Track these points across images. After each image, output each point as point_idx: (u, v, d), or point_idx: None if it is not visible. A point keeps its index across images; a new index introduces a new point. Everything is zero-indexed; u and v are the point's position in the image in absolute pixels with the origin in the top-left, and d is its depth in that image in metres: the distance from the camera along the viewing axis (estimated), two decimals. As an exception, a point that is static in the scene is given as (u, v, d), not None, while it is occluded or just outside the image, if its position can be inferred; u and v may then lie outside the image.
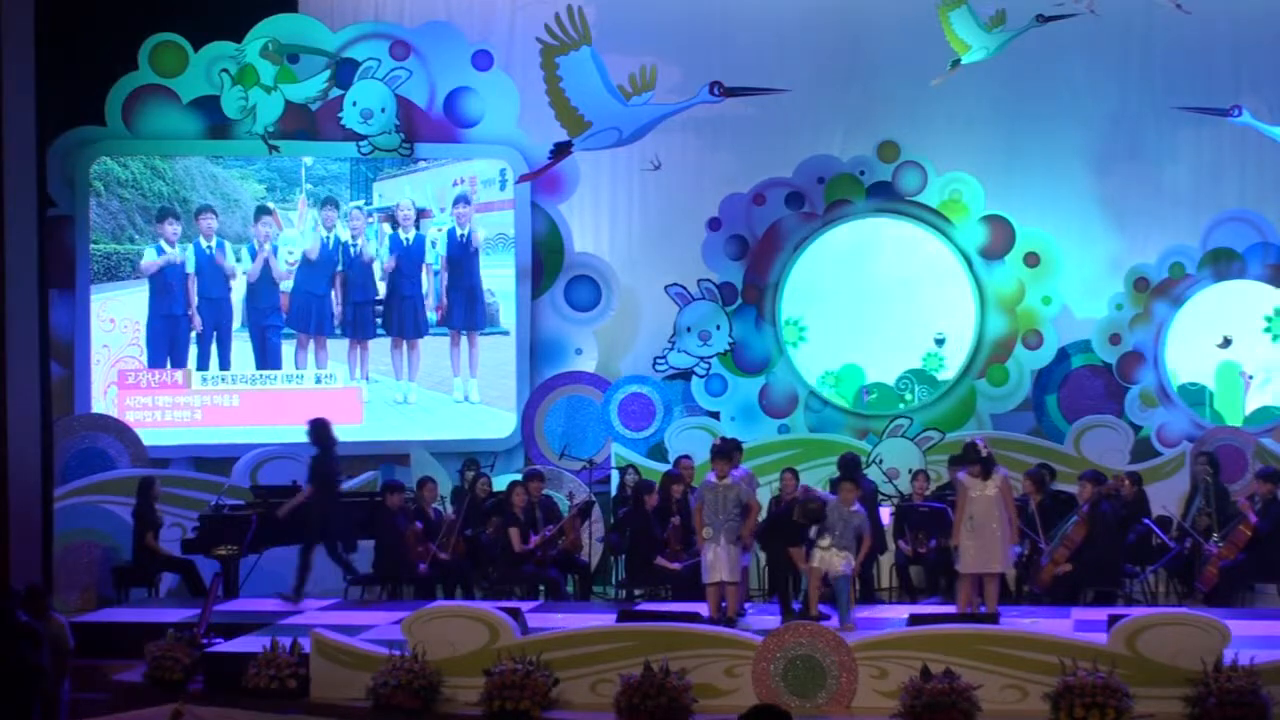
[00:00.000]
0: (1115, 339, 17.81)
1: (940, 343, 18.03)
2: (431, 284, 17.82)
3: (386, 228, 17.78)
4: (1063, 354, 18.07)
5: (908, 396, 17.98)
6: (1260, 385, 17.83)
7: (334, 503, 14.72)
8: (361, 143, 17.53)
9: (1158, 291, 17.76)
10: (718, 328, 17.73)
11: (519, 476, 15.32)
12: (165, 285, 17.32)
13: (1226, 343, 17.77)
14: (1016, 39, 17.30)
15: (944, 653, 10.43)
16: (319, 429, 14.81)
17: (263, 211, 17.50)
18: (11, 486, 12.29)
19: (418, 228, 17.84)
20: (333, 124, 17.53)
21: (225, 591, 13.99)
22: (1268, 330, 17.86)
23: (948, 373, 17.98)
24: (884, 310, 18.05)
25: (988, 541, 12.49)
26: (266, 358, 17.54)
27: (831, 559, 12.43)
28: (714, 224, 17.98)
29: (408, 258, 17.82)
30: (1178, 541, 14.57)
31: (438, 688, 10.74)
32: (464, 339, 17.84)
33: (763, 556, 14.89)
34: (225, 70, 17.28)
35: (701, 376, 17.80)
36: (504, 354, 17.88)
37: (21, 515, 12.39)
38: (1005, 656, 10.44)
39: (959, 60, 17.45)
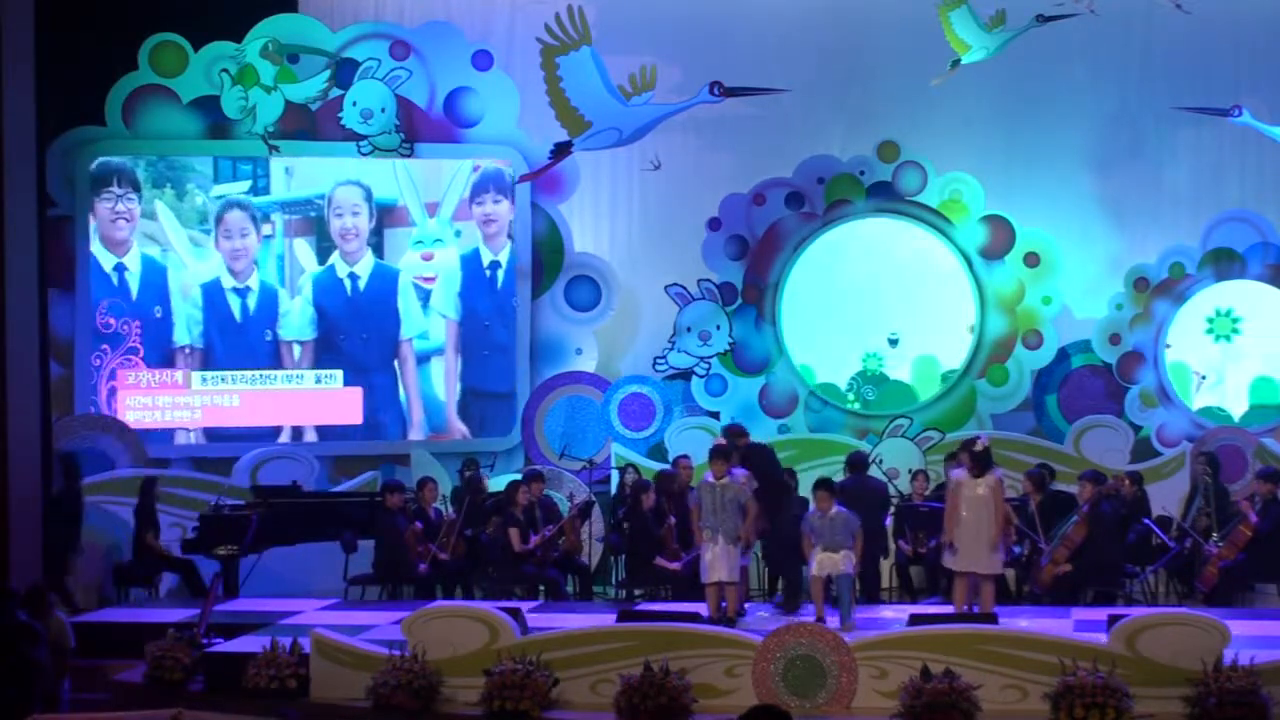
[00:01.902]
0: (1115, 339, 17.81)
1: (894, 343, 18.03)
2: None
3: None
4: (1063, 354, 18.07)
5: (850, 397, 17.98)
6: (1211, 386, 17.85)
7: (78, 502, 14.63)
8: (361, 143, 17.53)
9: (1158, 291, 17.76)
10: (718, 328, 17.74)
11: (519, 476, 15.34)
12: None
13: (973, 331, 17.82)
14: (1016, 39, 17.31)
15: (944, 653, 10.42)
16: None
17: None
18: (11, 486, 12.30)
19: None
20: (333, 124, 17.53)
21: (225, 591, 14.00)
22: (1209, 331, 17.87)
23: (899, 372, 17.98)
24: (849, 311, 18.04)
25: (977, 540, 12.48)
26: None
27: (834, 560, 12.41)
28: (714, 224, 17.98)
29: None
30: (1178, 541, 14.57)
31: (438, 688, 10.73)
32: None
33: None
34: (225, 70, 17.27)
35: (701, 376, 17.80)
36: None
37: (21, 515, 12.40)
38: (1005, 656, 10.43)
39: (959, 60, 17.46)
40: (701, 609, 12.57)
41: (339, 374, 17.63)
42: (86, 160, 17.09)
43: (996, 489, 12.58)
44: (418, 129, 17.76)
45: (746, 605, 13.18)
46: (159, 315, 17.32)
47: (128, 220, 17.23)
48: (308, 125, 17.59)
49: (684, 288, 17.78)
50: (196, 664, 11.45)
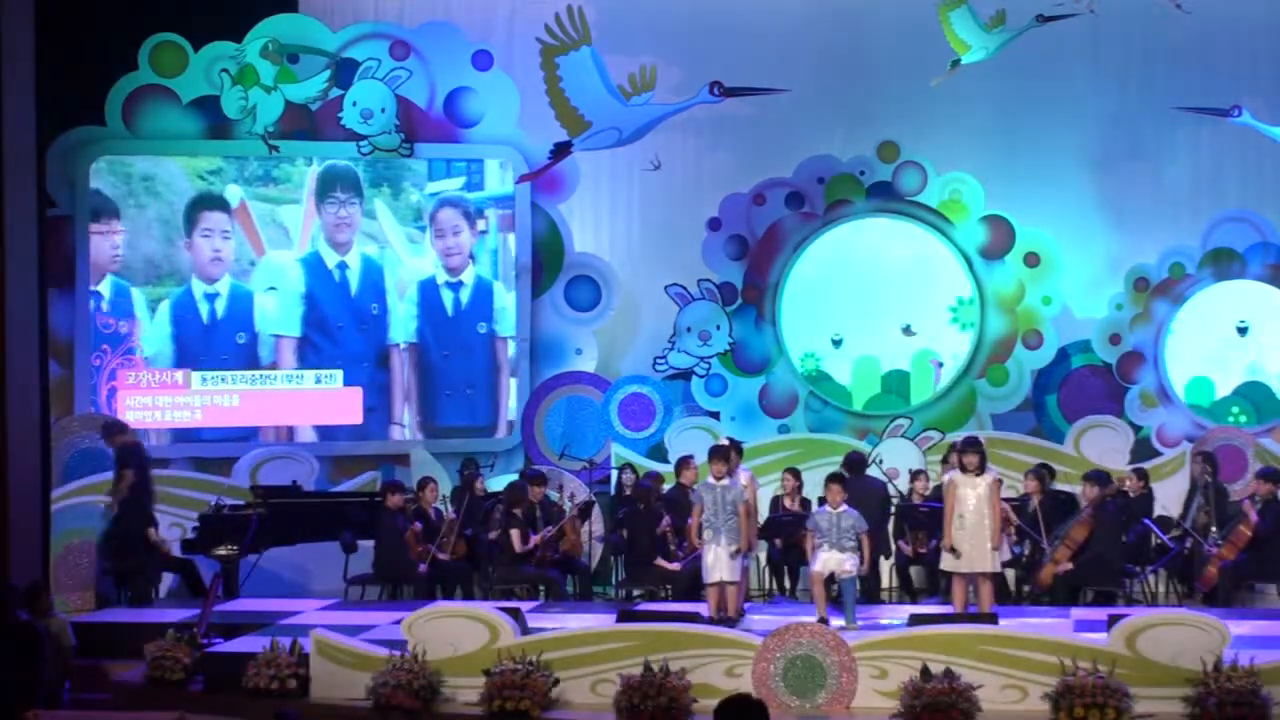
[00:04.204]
0: (1115, 339, 17.81)
1: (837, 344, 18.03)
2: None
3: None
4: (1063, 354, 18.07)
5: None
6: (951, 372, 17.98)
7: None
8: (361, 143, 17.53)
9: (1158, 291, 17.76)
10: (718, 328, 17.74)
11: (517, 477, 15.34)
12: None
13: (909, 331, 17.87)
14: (1016, 39, 17.29)
15: (944, 653, 10.42)
16: None
17: None
18: (11, 486, 12.30)
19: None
20: (333, 124, 17.53)
21: (225, 591, 14.00)
22: (954, 321, 17.97)
23: (839, 372, 18.01)
24: (799, 310, 18.10)
25: (978, 541, 12.49)
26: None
27: (838, 559, 12.41)
28: (714, 224, 17.98)
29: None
30: (1178, 541, 14.57)
31: (438, 688, 10.73)
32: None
33: (762, 557, 14.94)
34: (225, 70, 17.27)
35: (701, 376, 17.80)
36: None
37: (21, 515, 12.40)
38: (1005, 656, 10.43)
39: (959, 60, 17.45)
40: (702, 609, 12.58)
41: (339, 374, 17.64)
42: (86, 160, 17.11)
43: (994, 488, 12.59)
44: (418, 129, 17.77)
45: (746, 605, 13.18)
46: (375, 312, 17.73)
47: (349, 225, 17.67)
48: (308, 125, 17.60)
49: (684, 288, 17.79)
50: (196, 664, 11.45)
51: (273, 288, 17.53)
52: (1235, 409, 17.73)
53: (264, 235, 17.56)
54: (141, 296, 17.26)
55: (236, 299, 17.48)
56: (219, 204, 17.42)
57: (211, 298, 17.40)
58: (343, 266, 17.71)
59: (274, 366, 17.48)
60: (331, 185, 17.66)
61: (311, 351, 17.61)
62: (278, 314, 17.57)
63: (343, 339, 17.68)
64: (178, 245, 17.35)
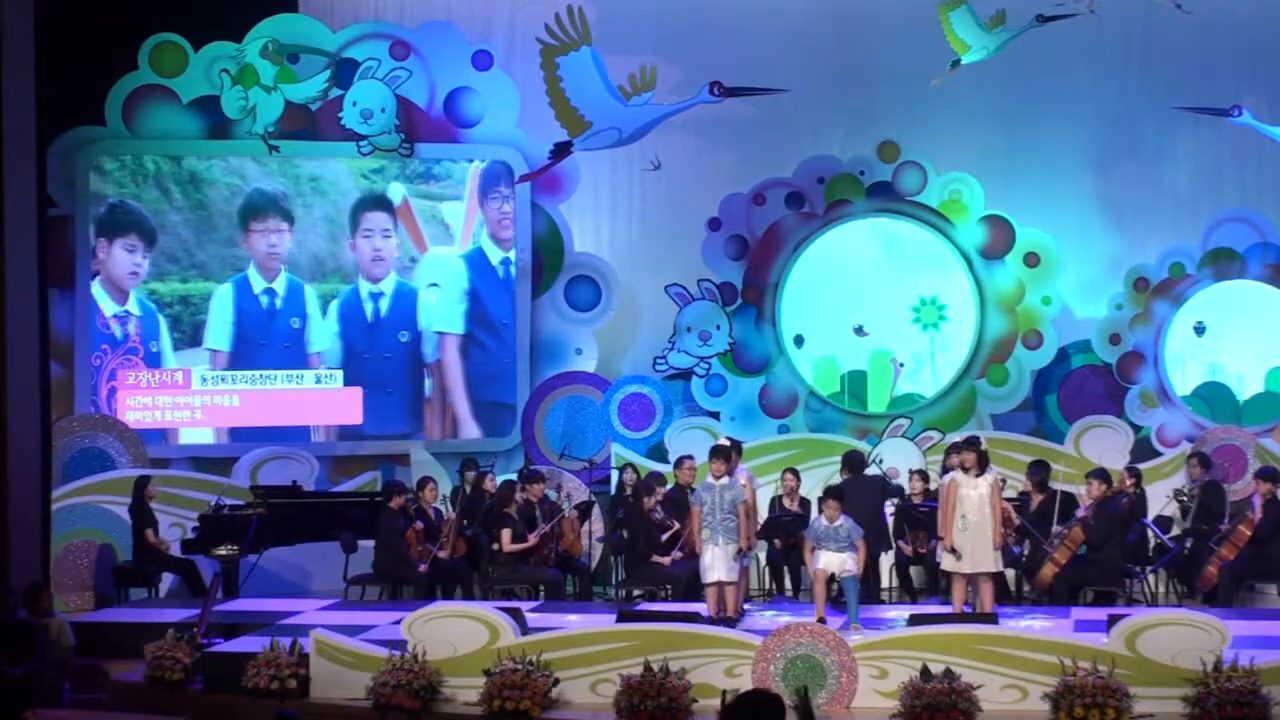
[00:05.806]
0: (1115, 339, 17.80)
1: (799, 342, 18.04)
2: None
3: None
4: (1063, 354, 18.07)
5: None
6: (911, 374, 18.01)
7: None
8: (361, 143, 17.54)
9: (1158, 291, 17.76)
10: (718, 328, 17.74)
11: (514, 477, 15.34)
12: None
13: (860, 331, 17.87)
14: (1016, 39, 17.29)
15: (944, 653, 10.41)
16: None
17: None
18: (11, 486, 12.30)
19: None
20: (333, 124, 17.53)
21: (225, 591, 14.00)
22: (916, 321, 17.96)
23: (805, 373, 18.01)
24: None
25: (980, 541, 12.48)
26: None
27: (839, 559, 12.41)
28: (714, 224, 17.99)
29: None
30: (1178, 541, 14.57)
31: (438, 688, 10.73)
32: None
33: (762, 557, 14.93)
34: (225, 70, 17.29)
35: (701, 376, 17.80)
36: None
37: (21, 515, 12.40)
38: (1005, 656, 10.42)
39: (959, 60, 17.45)
40: (702, 609, 12.58)
41: (339, 374, 17.64)
42: (86, 160, 17.12)
43: (995, 488, 12.59)
44: (418, 129, 17.78)
45: (746, 605, 13.18)
46: None
47: (513, 221, 17.88)
48: (308, 125, 17.60)
49: (684, 288, 17.79)
50: (196, 664, 11.45)
51: (435, 284, 17.77)
52: (1188, 409, 17.71)
53: (425, 232, 17.82)
54: (314, 293, 17.56)
55: (401, 297, 17.79)
56: (380, 204, 17.75)
57: (376, 296, 17.74)
58: (506, 263, 17.93)
59: (438, 364, 17.71)
60: (495, 182, 17.91)
61: (476, 349, 17.89)
62: (440, 311, 17.80)
63: (508, 336, 17.93)
64: (342, 244, 17.67)
